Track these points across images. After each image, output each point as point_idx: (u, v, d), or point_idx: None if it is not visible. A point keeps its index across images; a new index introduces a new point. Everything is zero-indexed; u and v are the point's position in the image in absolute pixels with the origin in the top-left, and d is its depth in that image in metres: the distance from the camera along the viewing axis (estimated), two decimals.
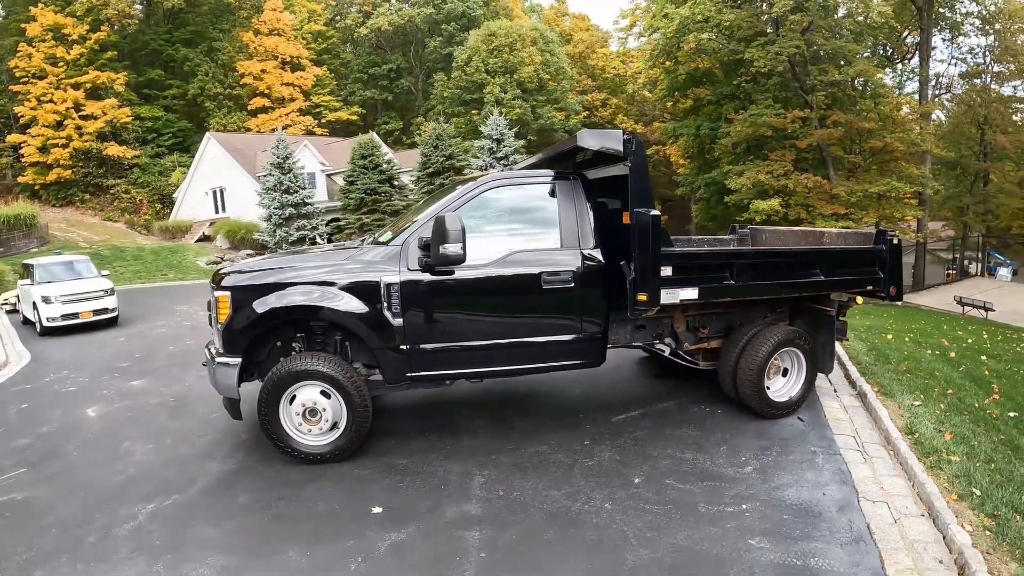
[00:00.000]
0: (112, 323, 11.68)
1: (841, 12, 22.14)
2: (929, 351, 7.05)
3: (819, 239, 6.01)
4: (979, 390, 5.53)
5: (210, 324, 4.45)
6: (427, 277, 4.06)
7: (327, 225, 25.13)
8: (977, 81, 29.37)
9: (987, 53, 27.32)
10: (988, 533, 3.09)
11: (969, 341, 8.26)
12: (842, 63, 22.54)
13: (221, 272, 4.33)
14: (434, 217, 3.96)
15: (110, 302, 11.69)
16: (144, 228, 30.26)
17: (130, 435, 4.99)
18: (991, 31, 25.47)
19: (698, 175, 34.58)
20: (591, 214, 4.29)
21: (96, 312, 11.36)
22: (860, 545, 3.05)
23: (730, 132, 25.24)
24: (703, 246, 6.62)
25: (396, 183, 22.21)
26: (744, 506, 3.39)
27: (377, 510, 3.50)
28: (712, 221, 34.10)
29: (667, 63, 30.11)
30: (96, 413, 5.64)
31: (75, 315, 11.07)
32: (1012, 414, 4.88)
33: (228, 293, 4.09)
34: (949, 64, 31.10)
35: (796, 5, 20.09)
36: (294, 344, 4.38)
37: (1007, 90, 29.62)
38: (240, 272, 4.22)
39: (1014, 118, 28.11)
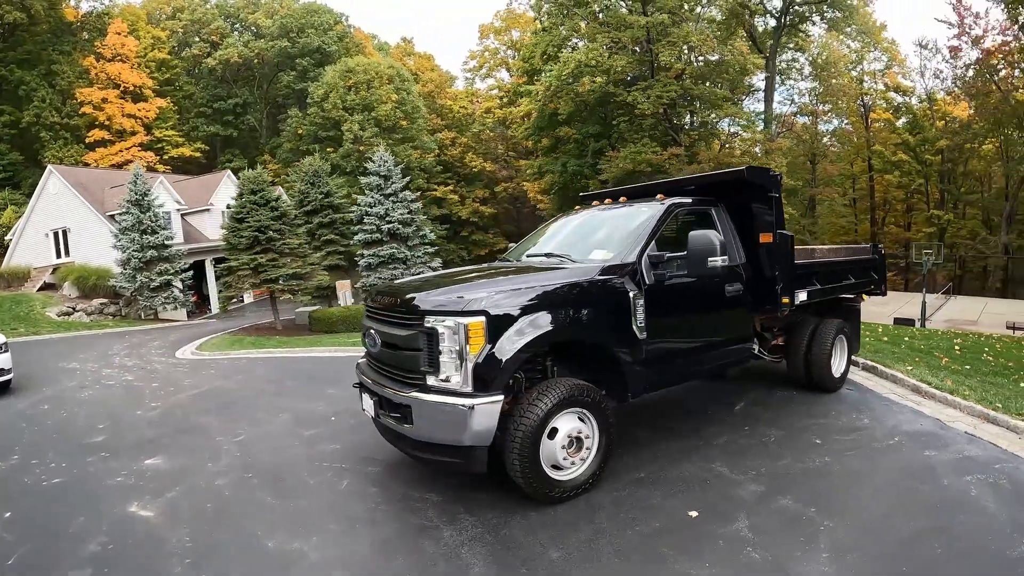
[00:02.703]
0: (4, 389, 10.00)
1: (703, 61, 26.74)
2: (867, 339, 9.54)
3: (811, 255, 7.98)
4: (931, 358, 7.93)
5: (425, 363, 3.87)
6: (659, 291, 4.52)
7: (186, 270, 23.57)
8: (805, 119, 36.99)
9: (815, 95, 34.55)
10: None
11: (879, 331, 11.13)
12: (707, 105, 27.13)
13: (455, 301, 3.90)
14: (689, 234, 4.55)
15: (4, 361, 9.94)
16: None
17: (255, 533, 4.06)
18: (818, 76, 32.38)
19: (561, 209, 37.89)
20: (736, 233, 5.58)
21: None
22: (975, 440, 4.97)
23: (610, 168, 28.54)
24: None
25: (286, 220, 21.64)
26: (896, 439, 5.11)
27: (694, 514, 3.86)
28: None
29: (532, 104, 33.10)
30: (152, 511, 4.52)
31: None
32: (967, 367, 7.26)
33: (482, 319, 3.76)
34: (787, 105, 38.80)
35: (679, 55, 24.03)
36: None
37: (831, 125, 37.77)
38: (490, 294, 3.93)
39: (833, 149, 35.76)
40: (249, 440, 6.30)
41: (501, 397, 3.76)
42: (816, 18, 29.33)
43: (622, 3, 26.82)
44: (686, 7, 25.27)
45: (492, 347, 3.75)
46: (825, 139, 36.63)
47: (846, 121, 36.79)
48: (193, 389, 9.63)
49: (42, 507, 4.79)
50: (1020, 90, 30.76)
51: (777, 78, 32.13)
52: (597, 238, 5.21)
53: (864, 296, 7.45)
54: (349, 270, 28.03)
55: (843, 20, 28.38)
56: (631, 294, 4.37)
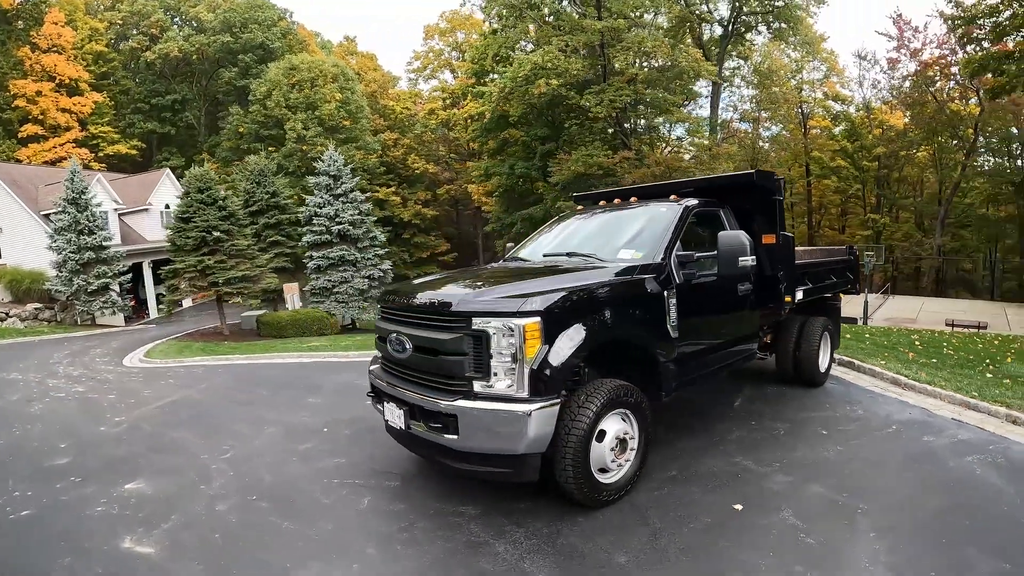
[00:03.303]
0: None
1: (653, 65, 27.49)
2: None
3: None
4: (897, 353, 8.50)
5: (471, 368, 3.71)
6: (686, 290, 4.59)
7: (125, 273, 22.41)
8: (747, 125, 38.68)
9: (755, 102, 36.05)
10: (1004, 408, 5.64)
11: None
12: (656, 111, 27.82)
13: (508, 301, 3.71)
14: (719, 235, 4.67)
15: None
16: None
17: (283, 565, 3.65)
18: (761, 83, 33.86)
19: (507, 211, 37.88)
20: None
21: None
22: (964, 425, 5.41)
23: (561, 170, 28.72)
24: None
25: (234, 220, 20.81)
26: (894, 427, 5.48)
27: (738, 507, 3.98)
28: None
29: (486, 105, 33.00)
30: (152, 547, 3.99)
31: None
32: (933, 360, 7.78)
33: (538, 320, 3.60)
34: (728, 111, 40.18)
35: (633, 60, 24.56)
36: None
37: (771, 132, 39.45)
38: (543, 293, 3.77)
39: (774, 155, 37.44)
40: (239, 457, 5.76)
41: (559, 401, 3.64)
42: (762, 28, 30.82)
43: (575, 7, 27.21)
44: (634, 14, 25.93)
45: (549, 349, 3.62)
46: (765, 145, 38.33)
47: (783, 128, 38.62)
48: (156, 401, 9.00)
49: (17, 545, 4.07)
50: (956, 100, 33.27)
51: (724, 85, 33.48)
52: (618, 238, 5.18)
53: (841, 295, 7.88)
54: (295, 272, 27.31)
55: (788, 30, 29.87)
56: (665, 293, 4.42)
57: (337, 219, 24.18)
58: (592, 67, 26.70)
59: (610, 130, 29.32)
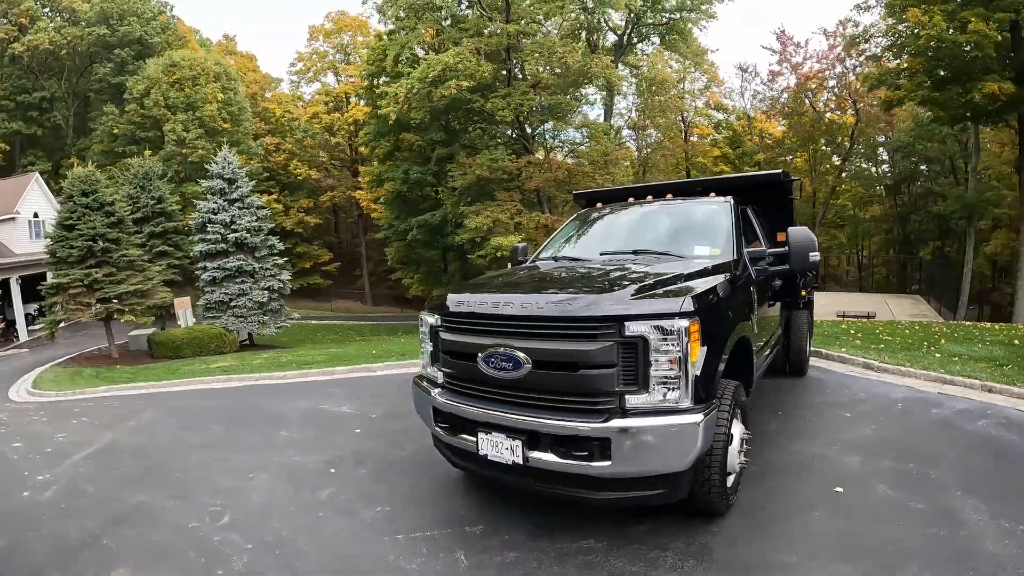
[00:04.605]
0: None
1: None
2: None
3: None
4: (844, 341, 9.10)
5: (620, 381, 3.23)
6: (756, 285, 4.54)
7: None
8: (632, 132, 40.27)
9: (642, 111, 37.52)
10: (977, 380, 6.32)
11: None
12: (552, 116, 28.23)
13: (665, 301, 3.31)
14: (789, 230, 4.72)
15: None
16: None
17: None
18: (648, 91, 35.34)
19: (399, 218, 36.74)
20: None
21: None
22: (952, 397, 5.99)
23: (464, 175, 28.20)
24: None
25: (123, 227, 18.36)
26: (900, 405, 5.92)
27: (839, 490, 4.07)
28: (408, 263, 38.09)
29: (391, 107, 31.53)
30: None
31: None
32: (881, 346, 8.70)
33: (697, 319, 3.24)
34: (620, 119, 41.24)
35: (544, 64, 24.67)
36: None
37: (655, 138, 41.10)
38: (688, 291, 3.41)
39: (660, 160, 39.39)
40: (244, 520, 4.34)
41: (715, 406, 3.41)
42: (656, 39, 32.42)
43: (480, 10, 26.89)
44: (539, 18, 26.11)
45: (708, 350, 3.31)
46: (650, 151, 40.22)
47: (665, 136, 40.71)
48: (80, 448, 6.85)
49: None
50: (833, 111, 37.03)
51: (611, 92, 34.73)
52: (683, 235, 4.89)
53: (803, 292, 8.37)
54: (183, 286, 24.80)
55: (680, 41, 31.66)
56: (751, 288, 4.41)
57: (233, 226, 22.18)
58: (497, 71, 26.59)
59: (509, 133, 29.44)
